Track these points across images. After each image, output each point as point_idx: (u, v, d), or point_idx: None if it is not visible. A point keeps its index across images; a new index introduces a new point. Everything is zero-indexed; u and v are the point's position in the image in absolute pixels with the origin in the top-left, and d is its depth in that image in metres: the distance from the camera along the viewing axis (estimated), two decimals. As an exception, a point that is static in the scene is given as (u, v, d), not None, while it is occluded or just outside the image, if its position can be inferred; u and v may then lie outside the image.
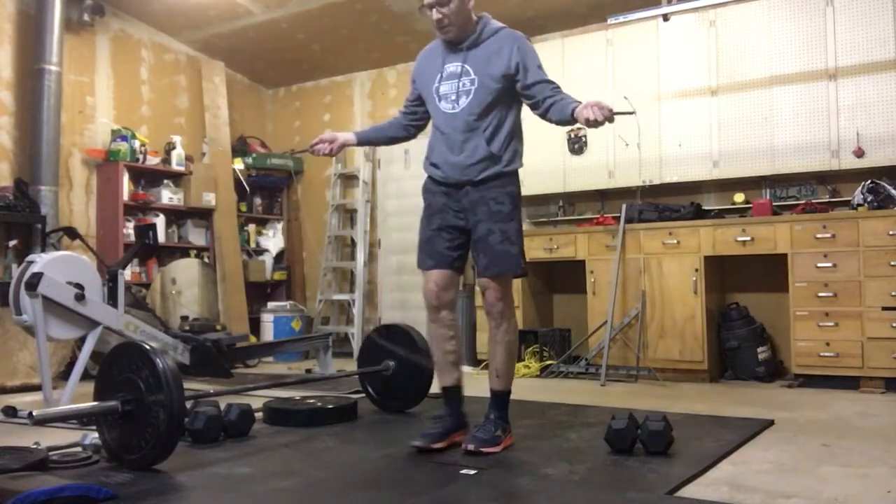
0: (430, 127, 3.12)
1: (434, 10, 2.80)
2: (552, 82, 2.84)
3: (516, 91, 2.88)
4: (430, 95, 2.96)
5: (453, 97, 2.88)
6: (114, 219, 5.90)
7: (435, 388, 3.86)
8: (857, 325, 4.28)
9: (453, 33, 2.86)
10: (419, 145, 6.98)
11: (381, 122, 3.34)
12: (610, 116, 2.63)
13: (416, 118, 3.15)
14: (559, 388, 4.59)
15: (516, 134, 2.94)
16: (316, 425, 3.33)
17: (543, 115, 2.86)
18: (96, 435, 2.70)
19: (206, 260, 6.56)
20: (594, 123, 2.63)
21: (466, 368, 5.54)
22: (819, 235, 4.42)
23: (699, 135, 5.04)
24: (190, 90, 6.83)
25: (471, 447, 2.76)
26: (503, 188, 2.87)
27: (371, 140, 3.39)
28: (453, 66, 2.90)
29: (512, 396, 3.70)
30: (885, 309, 4.21)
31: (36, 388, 4.32)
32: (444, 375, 3.04)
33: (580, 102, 2.71)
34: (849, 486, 2.31)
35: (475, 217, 2.86)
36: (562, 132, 5.38)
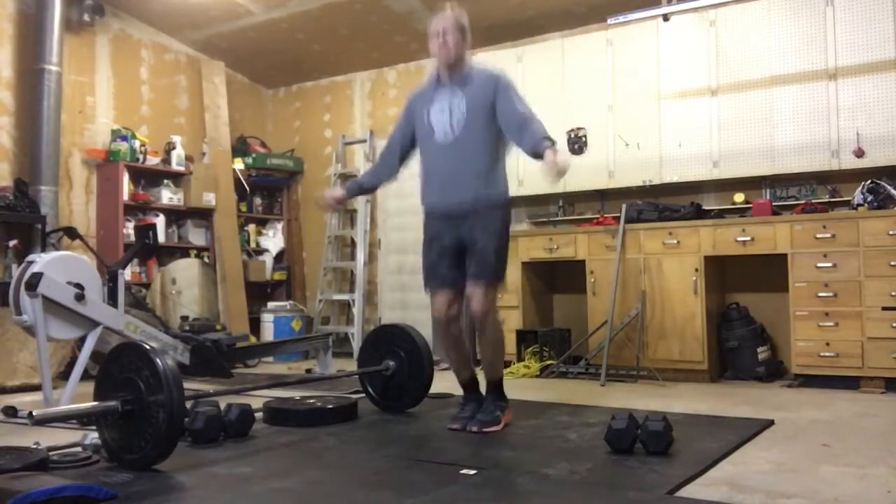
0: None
1: (440, 35, 3.22)
2: (523, 109, 3.20)
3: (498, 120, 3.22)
4: (423, 127, 3.32)
5: (445, 127, 3.23)
6: (114, 219, 5.90)
7: (434, 388, 3.88)
8: (857, 325, 4.28)
9: (446, 57, 3.23)
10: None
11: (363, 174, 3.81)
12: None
13: (402, 155, 3.50)
14: (559, 388, 4.59)
15: (503, 162, 3.31)
16: (316, 425, 3.33)
17: (517, 141, 3.20)
18: (96, 435, 2.70)
19: (206, 260, 6.56)
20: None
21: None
22: (819, 235, 4.42)
23: (699, 135, 5.04)
24: (190, 90, 6.83)
25: (474, 429, 3.19)
26: (496, 212, 3.24)
27: (361, 187, 3.75)
28: (445, 99, 3.26)
29: (512, 396, 3.72)
30: (885, 309, 4.21)
31: (36, 388, 4.31)
32: (461, 373, 3.46)
33: (550, 140, 3.07)
34: (849, 486, 2.31)
35: (472, 236, 3.21)
36: (562, 132, 5.37)
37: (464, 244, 3.24)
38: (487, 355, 3.37)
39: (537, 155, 3.08)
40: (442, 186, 3.27)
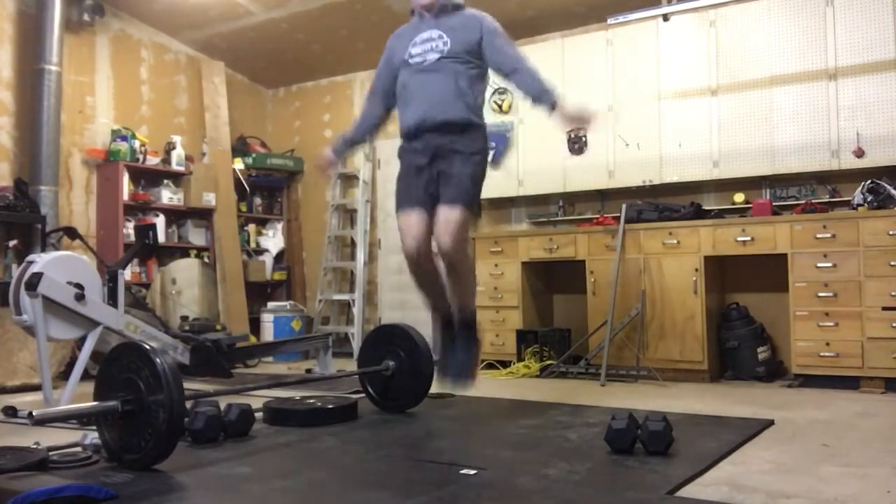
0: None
1: None
2: (514, 52, 3.18)
3: (483, 57, 3.19)
4: (404, 60, 3.24)
5: (426, 55, 3.17)
6: (114, 219, 5.90)
7: (434, 388, 3.88)
8: (857, 325, 4.28)
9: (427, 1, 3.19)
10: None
11: (350, 126, 3.61)
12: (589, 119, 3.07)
13: (385, 100, 3.39)
14: (559, 388, 4.60)
15: (482, 95, 3.25)
16: (316, 425, 3.33)
17: (514, 82, 3.18)
18: (96, 435, 2.70)
19: (206, 260, 6.56)
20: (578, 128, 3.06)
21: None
22: (819, 235, 4.42)
23: (699, 135, 5.04)
24: (190, 90, 6.83)
25: (452, 380, 3.20)
26: (475, 135, 3.15)
27: (349, 143, 3.58)
28: (427, 34, 3.21)
29: (512, 396, 3.72)
30: (885, 309, 4.21)
31: (36, 388, 4.32)
32: (438, 307, 3.34)
33: (551, 91, 3.09)
34: (849, 486, 2.31)
35: (448, 160, 3.10)
36: (562, 131, 5.37)
37: (439, 164, 3.12)
38: (458, 291, 3.19)
39: (538, 101, 3.11)
40: (419, 104, 3.16)
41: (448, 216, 3.02)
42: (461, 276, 3.14)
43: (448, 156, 3.11)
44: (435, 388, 3.73)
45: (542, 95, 3.12)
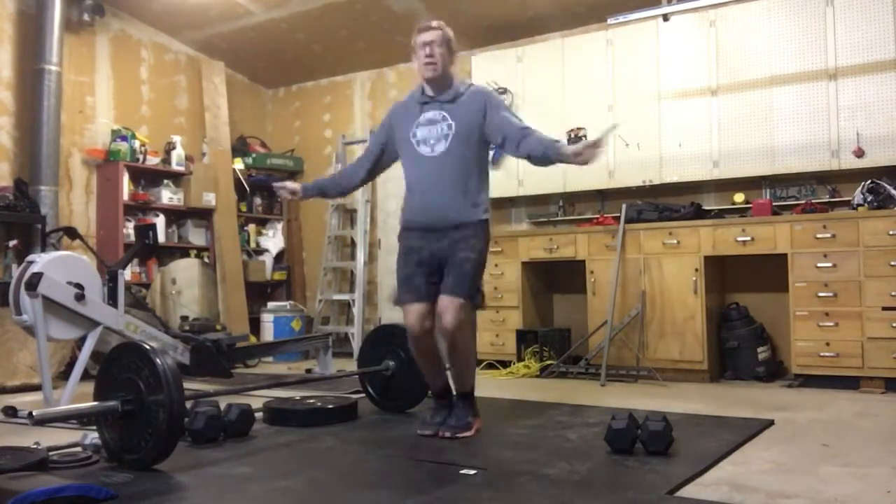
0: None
1: (427, 47, 3.11)
2: (520, 122, 3.15)
3: (488, 135, 3.16)
4: (407, 140, 3.20)
5: (432, 142, 3.14)
6: (114, 219, 5.90)
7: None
8: (857, 325, 4.28)
9: (432, 71, 3.12)
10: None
11: (329, 176, 3.61)
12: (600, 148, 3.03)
13: (371, 167, 3.43)
14: (559, 388, 4.60)
15: (486, 182, 3.23)
16: (316, 425, 3.33)
17: (522, 150, 3.11)
18: (96, 435, 2.70)
19: (206, 260, 6.56)
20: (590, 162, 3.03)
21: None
22: (819, 235, 4.42)
23: (699, 135, 5.04)
24: (190, 90, 6.83)
25: (447, 434, 3.08)
26: (477, 229, 3.13)
27: (321, 190, 3.59)
28: (431, 114, 3.17)
29: (512, 396, 3.72)
30: (885, 309, 4.21)
31: (36, 388, 4.32)
32: (434, 382, 3.35)
33: (556, 141, 3.09)
34: (849, 486, 2.31)
35: (452, 252, 3.09)
36: (562, 132, 5.36)
37: (441, 258, 3.12)
38: (457, 368, 3.22)
39: (548, 158, 3.06)
40: (423, 202, 3.17)
41: (448, 306, 3.03)
42: (461, 354, 3.15)
43: (450, 244, 3.10)
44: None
45: (550, 148, 3.06)
